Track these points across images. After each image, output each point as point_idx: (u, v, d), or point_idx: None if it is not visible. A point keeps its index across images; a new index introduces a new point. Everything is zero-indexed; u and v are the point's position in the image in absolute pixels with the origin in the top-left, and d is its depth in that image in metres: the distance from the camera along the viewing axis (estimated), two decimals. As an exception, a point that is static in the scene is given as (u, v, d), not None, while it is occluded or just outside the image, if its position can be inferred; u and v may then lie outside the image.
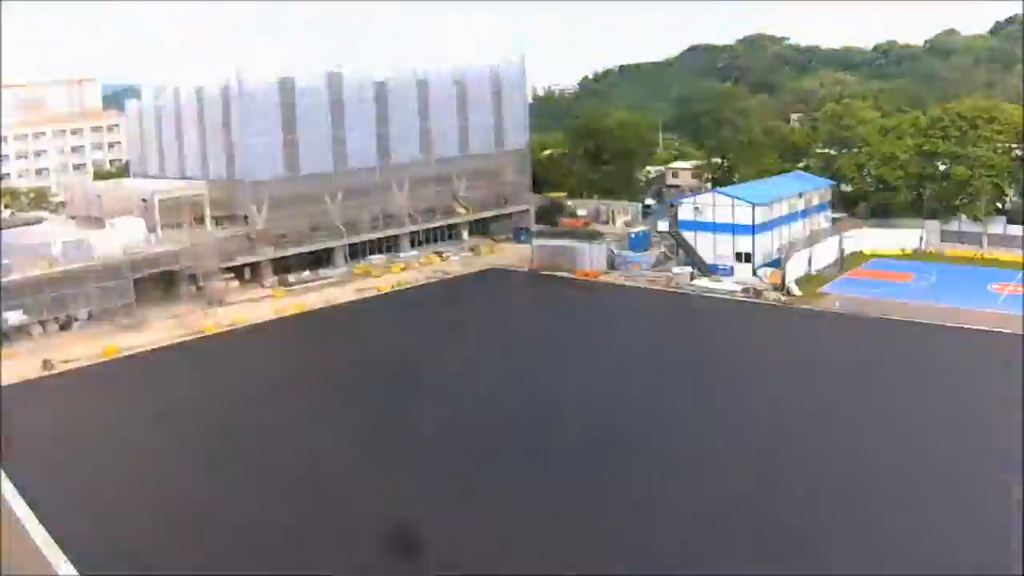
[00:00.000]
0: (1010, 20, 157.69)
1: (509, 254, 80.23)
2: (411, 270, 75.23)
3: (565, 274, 70.76)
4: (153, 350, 53.80)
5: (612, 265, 73.06)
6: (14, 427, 37.54)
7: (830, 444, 36.11)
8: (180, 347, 54.53)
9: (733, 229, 67.95)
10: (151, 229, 67.94)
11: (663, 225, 74.38)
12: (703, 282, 66.21)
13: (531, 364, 49.55)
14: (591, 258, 72.81)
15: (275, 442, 38.28)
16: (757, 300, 61.61)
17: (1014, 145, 74.26)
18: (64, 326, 57.90)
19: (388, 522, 29.90)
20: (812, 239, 71.44)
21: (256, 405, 43.30)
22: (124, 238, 63.53)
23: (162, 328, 58.09)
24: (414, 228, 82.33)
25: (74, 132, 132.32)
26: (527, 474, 33.95)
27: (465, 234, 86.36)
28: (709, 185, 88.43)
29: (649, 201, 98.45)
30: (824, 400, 41.53)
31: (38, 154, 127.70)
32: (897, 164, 76.35)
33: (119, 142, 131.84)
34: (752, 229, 67.27)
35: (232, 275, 68.05)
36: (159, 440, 38.91)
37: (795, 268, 65.79)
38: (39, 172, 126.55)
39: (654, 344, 54.27)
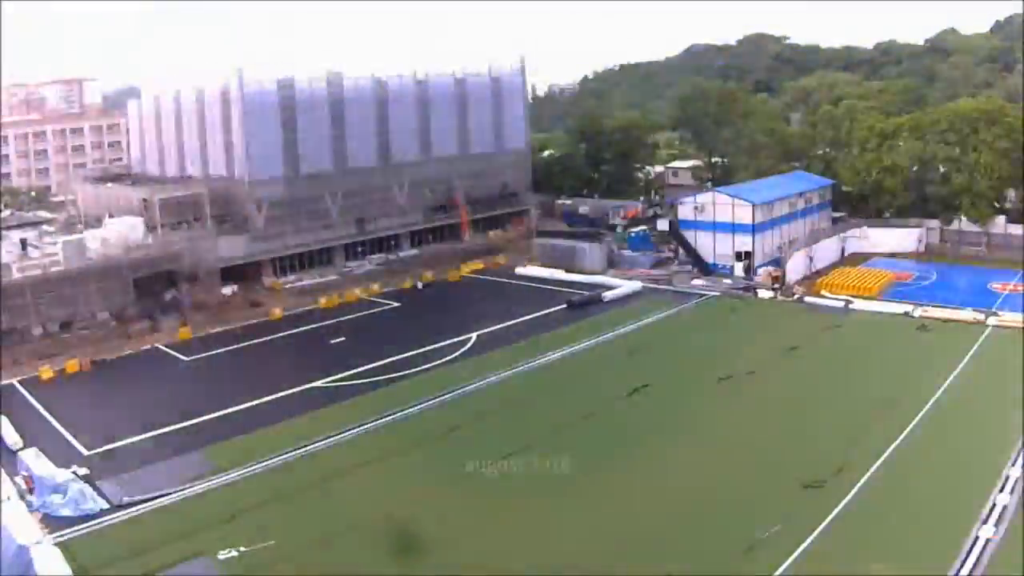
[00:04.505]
0: (1010, 20, 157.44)
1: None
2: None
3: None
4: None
5: (612, 264, 73.23)
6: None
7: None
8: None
9: (733, 228, 68.02)
10: (151, 229, 68.03)
11: (663, 224, 74.50)
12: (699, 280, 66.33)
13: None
14: (591, 257, 72.94)
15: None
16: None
17: (1014, 146, 74.06)
18: (64, 326, 57.96)
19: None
20: (812, 238, 71.49)
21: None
22: (124, 238, 63.54)
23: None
24: (414, 228, 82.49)
25: (74, 132, 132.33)
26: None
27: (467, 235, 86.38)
28: (709, 185, 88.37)
29: (653, 201, 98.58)
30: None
31: (38, 154, 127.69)
32: (896, 165, 76.17)
33: (119, 142, 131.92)
34: (752, 228, 67.31)
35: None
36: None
37: (796, 267, 65.90)
38: (39, 172, 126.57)
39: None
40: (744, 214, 67.50)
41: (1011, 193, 75.17)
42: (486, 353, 50.64)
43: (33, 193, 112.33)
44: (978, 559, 26.69)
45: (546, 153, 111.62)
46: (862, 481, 31.97)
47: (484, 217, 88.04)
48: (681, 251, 71.88)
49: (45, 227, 79.88)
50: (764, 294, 62.45)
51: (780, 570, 26.54)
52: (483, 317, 58.20)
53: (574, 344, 51.76)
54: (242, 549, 28.95)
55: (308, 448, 38.01)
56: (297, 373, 47.87)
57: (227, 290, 66.76)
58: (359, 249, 78.53)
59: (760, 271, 66.41)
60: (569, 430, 38.79)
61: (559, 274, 70.69)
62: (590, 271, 71.08)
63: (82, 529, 31.53)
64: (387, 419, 41.06)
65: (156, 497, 33.58)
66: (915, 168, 75.67)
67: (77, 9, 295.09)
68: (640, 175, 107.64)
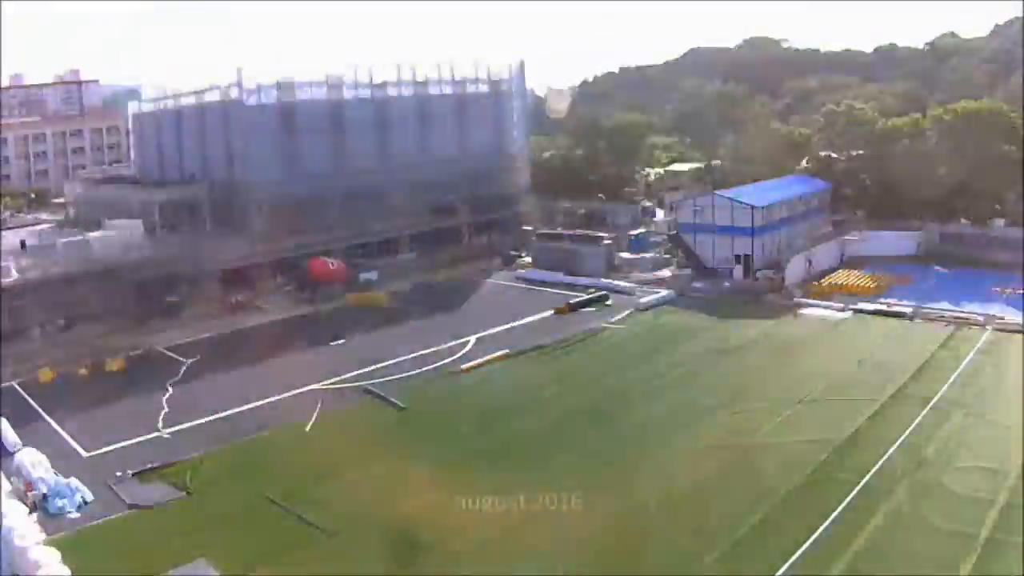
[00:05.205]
0: (1010, 23, 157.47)
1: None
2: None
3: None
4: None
5: (612, 267, 73.23)
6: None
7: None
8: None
9: (733, 231, 68.03)
10: (151, 231, 68.06)
11: (663, 227, 74.52)
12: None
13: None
14: (591, 260, 72.93)
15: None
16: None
17: (1014, 147, 74.21)
18: (65, 327, 57.94)
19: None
20: (812, 241, 71.53)
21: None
22: (124, 240, 63.58)
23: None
24: (414, 231, 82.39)
25: (74, 133, 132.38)
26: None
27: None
28: (709, 187, 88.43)
29: (647, 203, 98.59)
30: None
31: (38, 156, 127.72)
32: (898, 166, 76.25)
33: (119, 144, 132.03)
34: (752, 231, 67.34)
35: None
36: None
37: (795, 270, 65.92)
38: (39, 173, 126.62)
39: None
40: (743, 217, 67.54)
41: (1010, 195, 75.26)
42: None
43: (33, 195, 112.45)
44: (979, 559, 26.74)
45: (545, 155, 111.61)
46: (862, 482, 32.00)
47: (483, 220, 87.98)
48: (681, 254, 71.90)
49: (45, 229, 79.89)
50: (764, 297, 62.46)
51: (781, 570, 26.54)
52: (483, 320, 58.21)
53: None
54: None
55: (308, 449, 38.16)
56: (297, 375, 47.82)
57: (227, 292, 66.71)
58: (359, 252, 78.48)
59: (759, 274, 66.46)
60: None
61: (559, 277, 70.69)
62: (590, 274, 71.07)
63: (82, 529, 31.53)
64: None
65: (156, 498, 33.65)
66: (916, 165, 75.65)
67: (77, 9, 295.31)
68: (639, 178, 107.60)
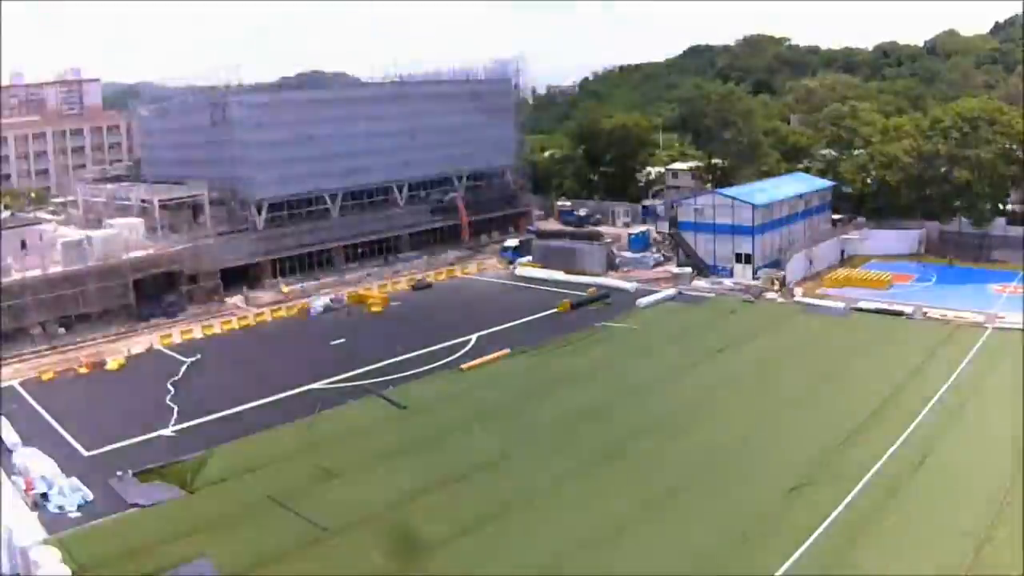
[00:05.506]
0: (1010, 21, 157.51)
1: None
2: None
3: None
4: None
5: (612, 266, 73.21)
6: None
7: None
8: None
9: (733, 230, 68.02)
10: (152, 230, 68.04)
11: (663, 226, 74.50)
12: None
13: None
14: (591, 259, 72.90)
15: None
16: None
17: (1014, 147, 74.13)
18: (64, 327, 57.92)
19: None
20: (813, 240, 71.50)
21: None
22: (124, 239, 63.54)
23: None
24: (414, 230, 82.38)
25: (74, 132, 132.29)
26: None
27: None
28: (710, 186, 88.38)
29: (648, 202, 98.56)
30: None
31: (38, 154, 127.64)
32: (898, 166, 76.27)
33: (119, 142, 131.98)
34: (752, 230, 67.32)
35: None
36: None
37: (795, 269, 65.91)
38: (39, 173, 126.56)
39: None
40: (744, 216, 67.52)
41: (1011, 194, 75.24)
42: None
43: (33, 194, 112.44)
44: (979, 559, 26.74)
45: (546, 154, 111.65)
46: (863, 482, 31.98)
47: (484, 219, 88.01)
48: (681, 252, 71.88)
49: (45, 228, 79.76)
50: (765, 296, 62.48)
51: (781, 570, 26.54)
52: (483, 319, 58.20)
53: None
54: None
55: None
56: (297, 375, 47.83)
57: (227, 292, 66.70)
58: (359, 251, 78.52)
59: (760, 273, 66.46)
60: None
61: (559, 275, 70.67)
62: (590, 272, 71.05)
63: (82, 529, 31.51)
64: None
65: (156, 498, 33.64)
66: (917, 164, 75.65)
67: (77, 9, 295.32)
68: (640, 176, 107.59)
